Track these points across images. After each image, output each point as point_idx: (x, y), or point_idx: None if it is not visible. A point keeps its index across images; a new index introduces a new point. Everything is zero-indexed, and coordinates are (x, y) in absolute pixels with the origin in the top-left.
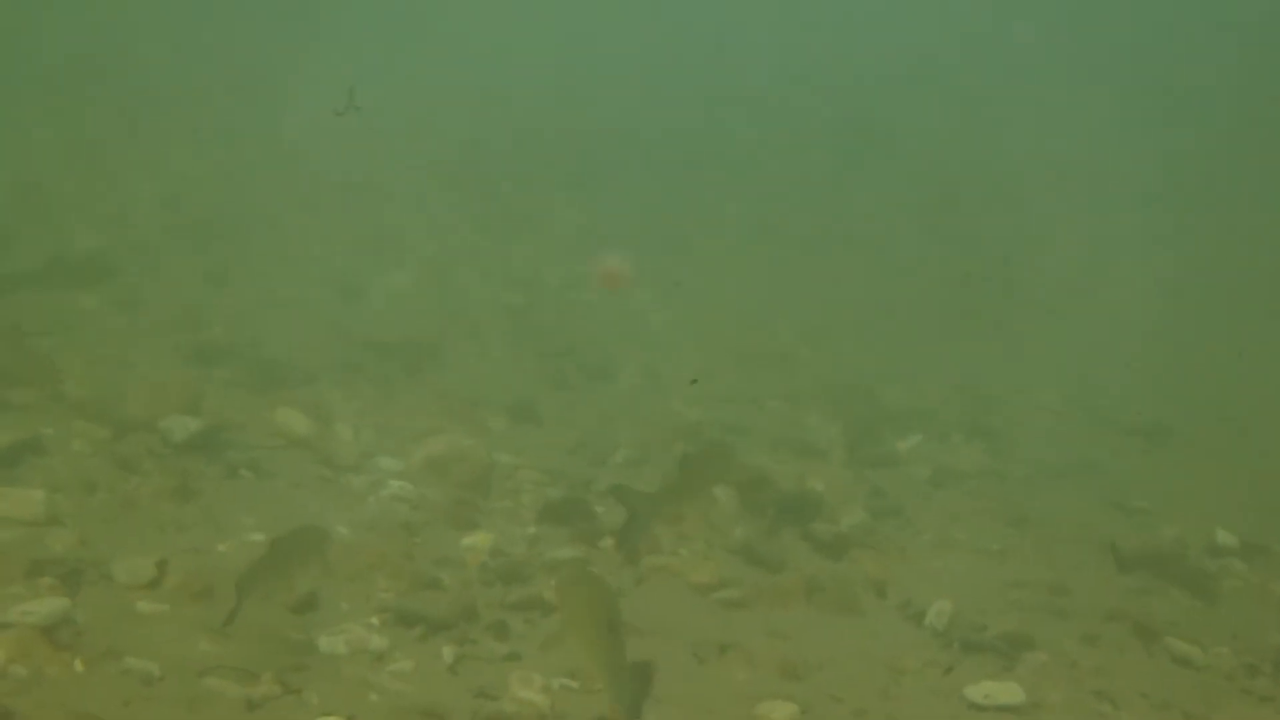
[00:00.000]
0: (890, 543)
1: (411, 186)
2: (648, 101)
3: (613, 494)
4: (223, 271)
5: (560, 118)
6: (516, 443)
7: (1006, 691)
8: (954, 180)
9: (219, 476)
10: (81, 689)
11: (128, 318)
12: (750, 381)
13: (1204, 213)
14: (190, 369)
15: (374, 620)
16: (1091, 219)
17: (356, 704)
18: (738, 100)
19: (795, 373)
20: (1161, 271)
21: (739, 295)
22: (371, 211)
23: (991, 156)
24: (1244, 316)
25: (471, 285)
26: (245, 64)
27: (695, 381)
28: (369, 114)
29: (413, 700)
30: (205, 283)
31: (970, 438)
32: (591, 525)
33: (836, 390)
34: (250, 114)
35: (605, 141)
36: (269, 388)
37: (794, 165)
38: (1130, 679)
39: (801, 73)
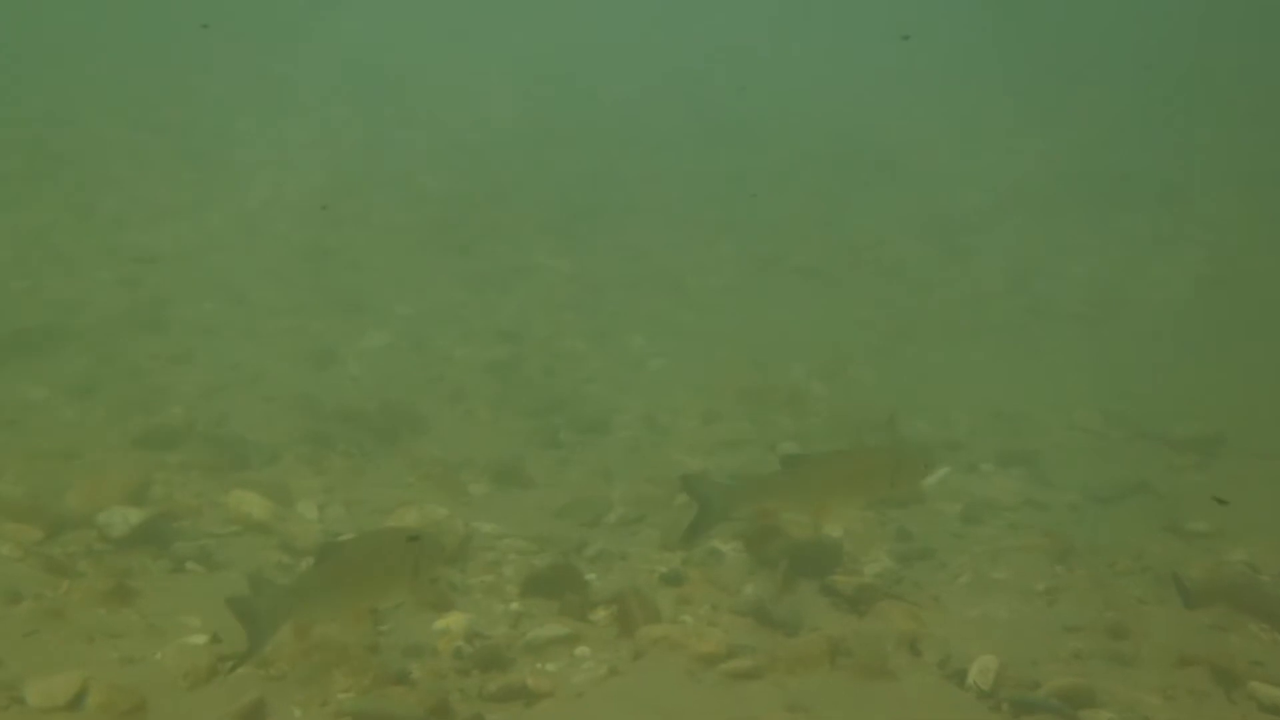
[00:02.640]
0: (922, 591)
1: (386, 246)
2: (628, 140)
3: (683, 484)
4: (184, 351)
5: (538, 163)
6: (500, 509)
7: None
8: (962, 193)
9: (163, 572)
10: None
11: (79, 407)
12: (759, 424)
13: (1231, 204)
14: (140, 454)
15: None
16: (1112, 220)
17: None
18: (724, 132)
19: (807, 411)
20: (1195, 270)
21: (742, 333)
22: (344, 276)
23: (998, 165)
24: None
25: (453, 344)
26: (208, 133)
27: None
28: (336, 172)
29: None
30: (165, 363)
31: (1004, 466)
32: (583, 596)
33: (853, 426)
34: (214, 185)
35: (587, 185)
36: (228, 469)
37: (790, 193)
38: None
39: (788, 99)
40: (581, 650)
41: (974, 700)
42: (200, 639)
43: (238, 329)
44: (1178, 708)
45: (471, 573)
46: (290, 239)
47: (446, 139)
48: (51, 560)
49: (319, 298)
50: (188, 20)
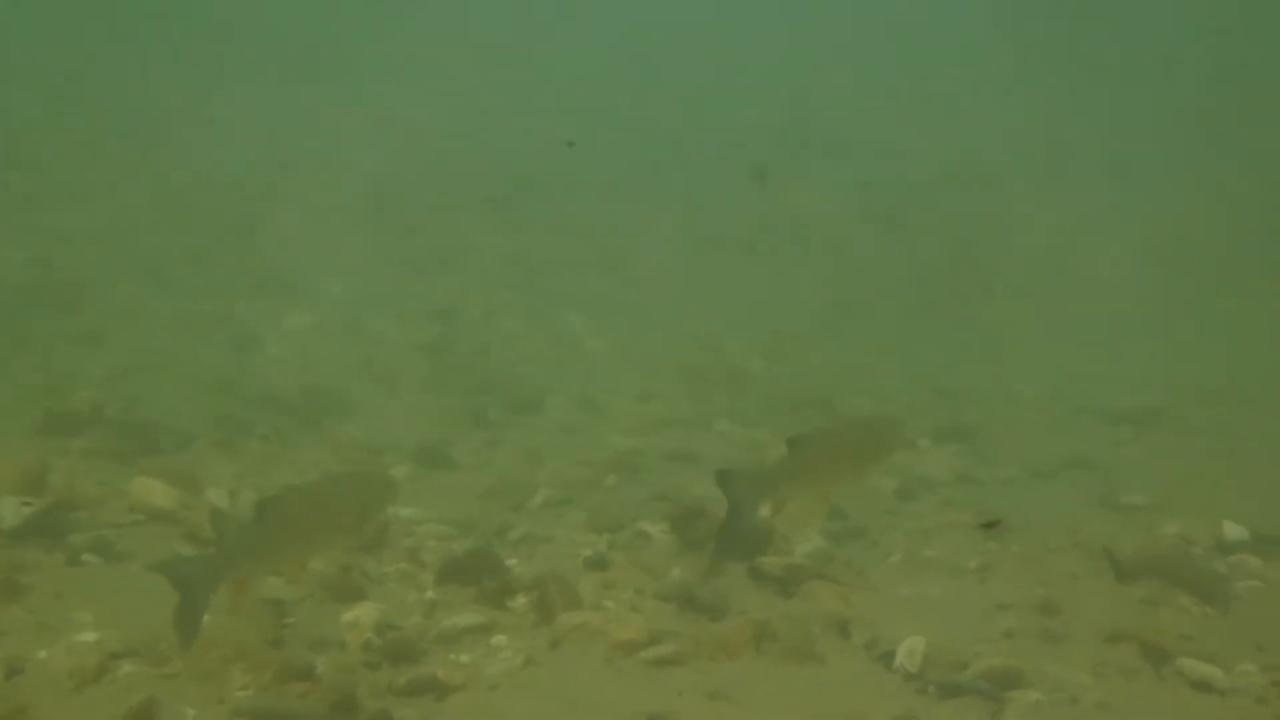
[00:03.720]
0: (852, 571)
1: (317, 226)
2: (568, 118)
3: (717, 480)
4: (97, 333)
5: (477, 142)
6: (421, 493)
7: None
8: (905, 169)
9: (57, 565)
10: None
11: None
12: (696, 403)
13: (1176, 181)
14: (41, 441)
15: None
16: (1055, 196)
17: None
18: (665, 108)
19: (746, 390)
20: (1136, 246)
21: (682, 312)
22: (272, 257)
23: (942, 139)
24: (1229, 287)
25: (384, 325)
26: (135, 111)
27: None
28: (268, 152)
29: None
30: (76, 346)
31: (941, 441)
32: (501, 582)
33: (792, 405)
34: (139, 164)
35: (527, 163)
36: (135, 456)
37: (732, 170)
38: (1143, 713)
39: (729, 73)
40: (498, 639)
41: (901, 682)
42: (91, 636)
43: (156, 311)
44: (1107, 686)
45: (386, 560)
46: (218, 219)
47: (386, 117)
48: None
49: (245, 279)
50: None
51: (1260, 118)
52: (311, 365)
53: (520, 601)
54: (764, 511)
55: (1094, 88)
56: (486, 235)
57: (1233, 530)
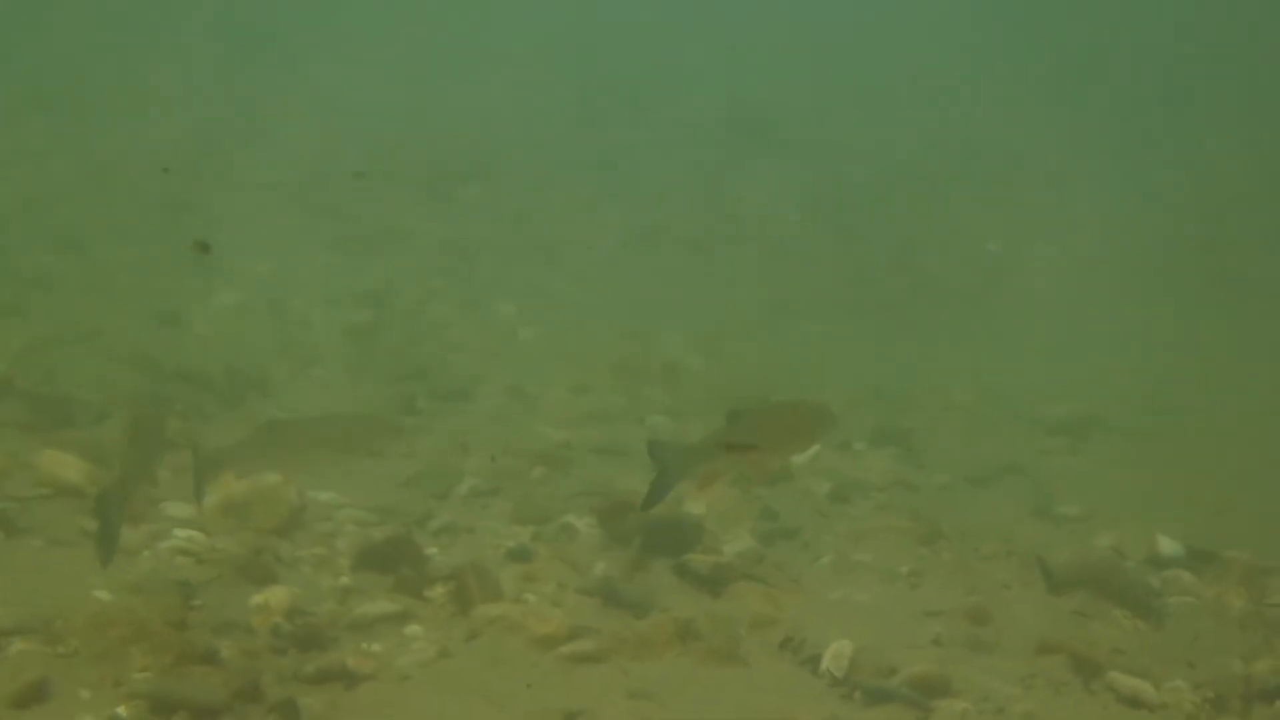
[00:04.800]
0: (782, 572)
1: (246, 204)
2: (511, 102)
3: (648, 449)
4: (16, 304)
5: (416, 125)
6: (342, 478)
7: None
8: (847, 170)
9: None
10: None
11: None
12: (630, 397)
13: (1119, 186)
14: None
15: (121, 711)
16: (998, 201)
17: None
18: (609, 98)
19: (682, 385)
20: (1079, 253)
21: (619, 305)
22: (199, 233)
23: (889, 140)
24: (1168, 296)
25: (312, 307)
26: (62, 81)
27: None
28: (200, 128)
29: None
30: None
31: (877, 445)
32: (420, 571)
33: (727, 401)
34: (64, 134)
35: (466, 148)
36: (48, 429)
37: (674, 165)
38: None
39: (675, 67)
40: (412, 629)
41: (826, 688)
42: None
43: (78, 283)
44: (1035, 698)
45: (301, 544)
46: (144, 193)
47: (325, 98)
48: None
49: (170, 254)
50: None
51: (1202, 130)
52: (236, 344)
53: (438, 592)
54: (694, 485)
55: (1045, 96)
56: (423, 221)
57: (1167, 544)
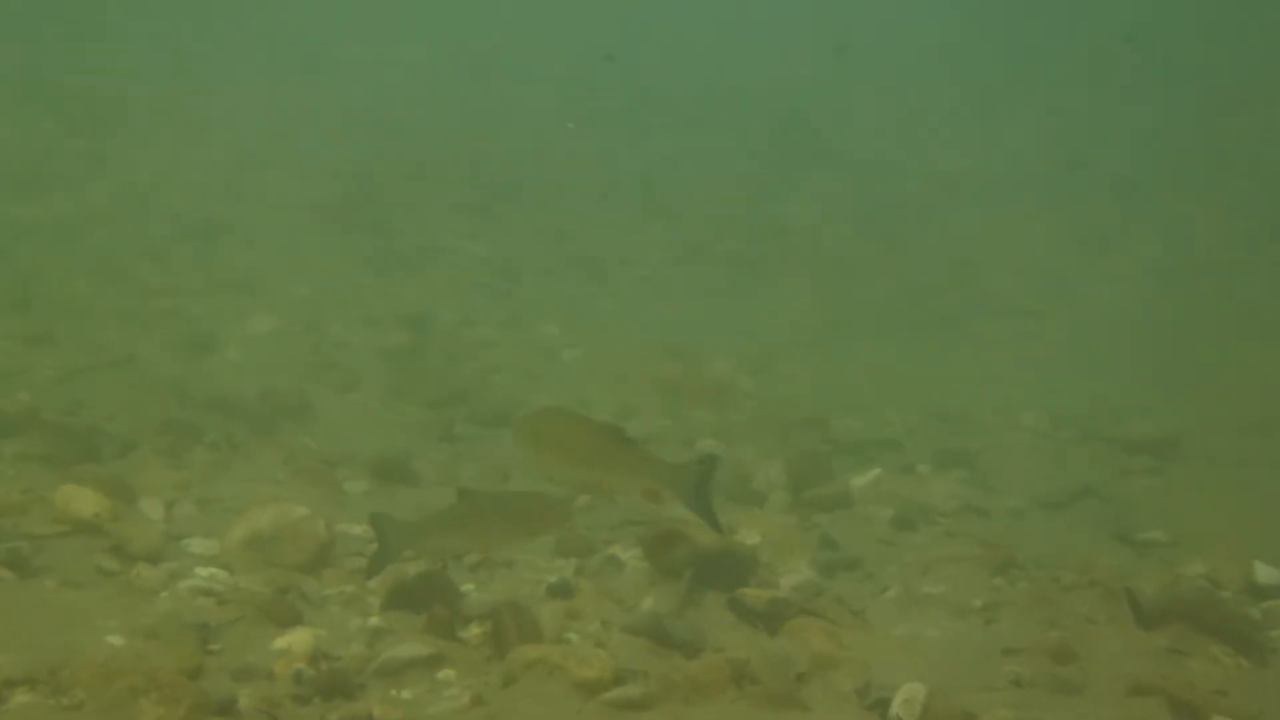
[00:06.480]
0: (844, 607)
1: (284, 224)
2: (552, 118)
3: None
4: (46, 331)
5: (458, 141)
6: (377, 509)
7: None
8: (904, 181)
9: None
10: None
11: None
12: (678, 420)
13: (1187, 194)
14: None
15: None
16: (1057, 211)
17: None
18: (653, 112)
19: (732, 407)
20: (1147, 262)
21: (665, 324)
22: (235, 255)
23: (943, 151)
24: (1245, 309)
25: (350, 329)
26: (101, 103)
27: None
28: (239, 148)
29: None
30: (23, 344)
31: (942, 468)
32: (454, 609)
33: (780, 424)
34: (102, 156)
35: (507, 164)
36: (71, 462)
37: (721, 178)
38: None
39: (721, 79)
40: (445, 674)
41: None
42: None
43: (111, 310)
44: None
45: (329, 582)
46: (180, 215)
47: (361, 115)
48: None
49: (205, 278)
50: None
51: (1266, 129)
52: (271, 369)
53: (473, 632)
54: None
55: (1098, 99)
56: (464, 238)
57: (1265, 573)
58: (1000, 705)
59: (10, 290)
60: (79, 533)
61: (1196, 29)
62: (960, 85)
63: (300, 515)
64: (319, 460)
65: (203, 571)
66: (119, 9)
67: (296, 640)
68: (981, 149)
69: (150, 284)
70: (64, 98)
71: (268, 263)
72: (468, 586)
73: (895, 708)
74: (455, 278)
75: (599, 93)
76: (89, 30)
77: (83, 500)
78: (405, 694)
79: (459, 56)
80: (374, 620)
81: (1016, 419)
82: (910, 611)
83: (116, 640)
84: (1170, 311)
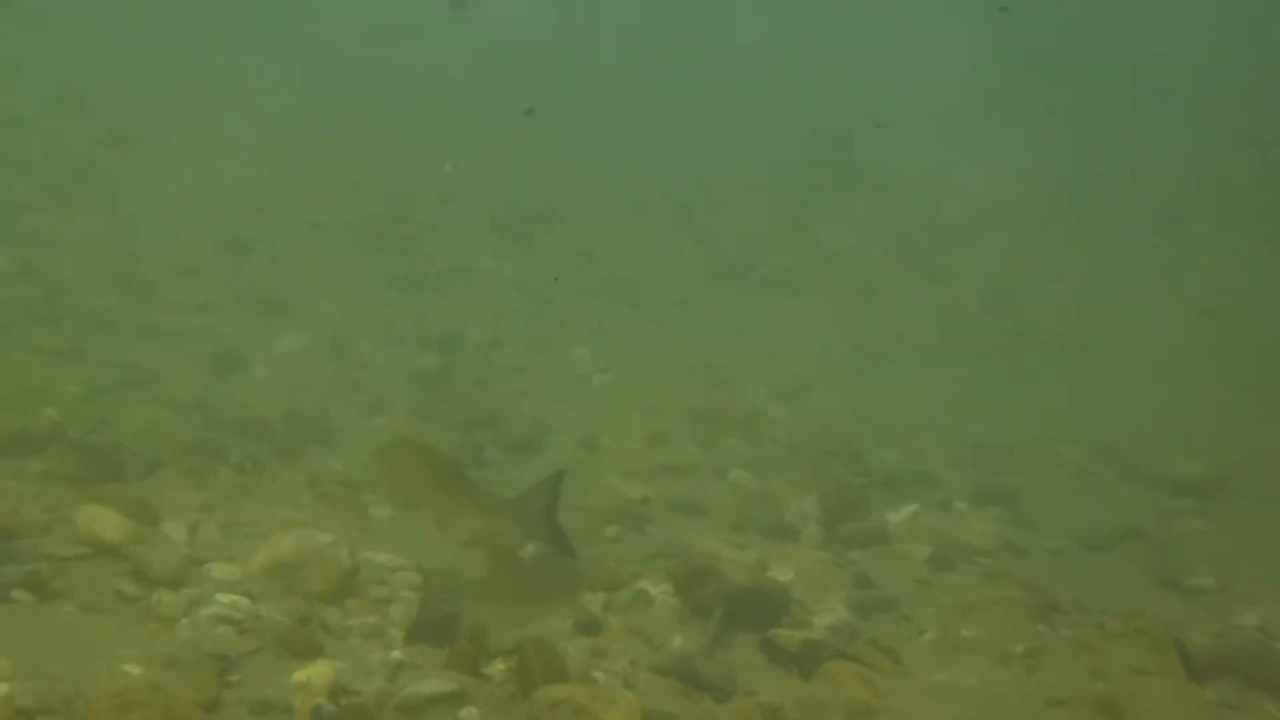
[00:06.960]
0: (880, 650)
1: (313, 242)
2: (587, 138)
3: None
4: (74, 347)
5: (487, 161)
6: (402, 536)
7: None
8: (942, 206)
9: None
10: None
11: None
12: (709, 449)
13: (1233, 227)
14: None
15: None
16: (1102, 240)
17: None
18: (694, 133)
19: (765, 436)
20: (1191, 295)
21: (697, 349)
22: (264, 272)
23: (981, 177)
24: None
25: (378, 350)
26: (133, 119)
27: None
28: (271, 165)
29: None
30: (50, 359)
31: (980, 504)
32: (478, 644)
33: (814, 454)
34: (132, 171)
35: (538, 183)
36: (95, 481)
37: (756, 200)
38: None
39: (762, 100)
40: (467, 712)
41: None
42: (2, 689)
43: (139, 326)
44: None
45: (352, 612)
46: (211, 232)
47: (393, 134)
48: None
49: (234, 295)
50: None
51: None
52: (297, 389)
53: (497, 669)
54: None
55: (1141, 124)
56: (493, 259)
57: None
58: None
59: (39, 304)
60: (100, 555)
61: (1246, 47)
62: (991, 103)
63: (324, 542)
64: (343, 484)
65: (224, 598)
66: (151, 25)
67: (316, 673)
68: (1017, 170)
69: (178, 300)
70: (95, 112)
71: (296, 281)
72: None
73: None
74: (483, 299)
75: (632, 114)
76: (121, 45)
77: (105, 522)
78: None
79: (492, 72)
80: (396, 653)
81: (1057, 454)
82: (949, 657)
83: (134, 669)
84: (1212, 346)
